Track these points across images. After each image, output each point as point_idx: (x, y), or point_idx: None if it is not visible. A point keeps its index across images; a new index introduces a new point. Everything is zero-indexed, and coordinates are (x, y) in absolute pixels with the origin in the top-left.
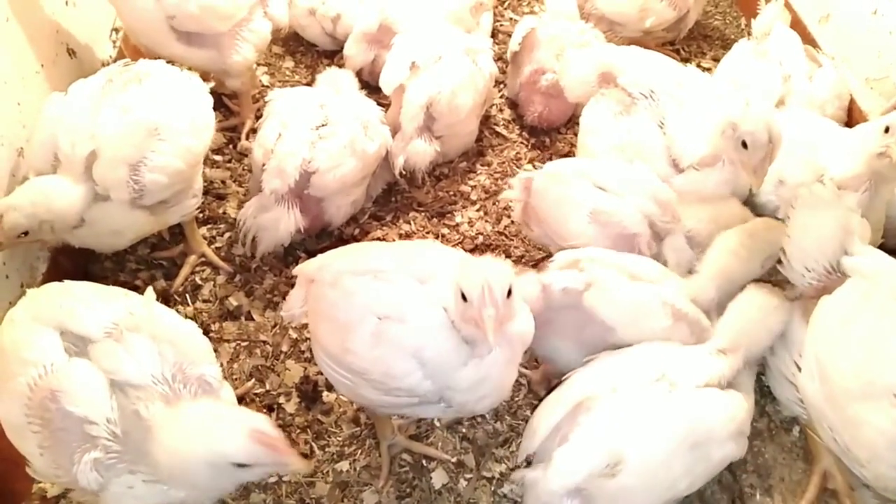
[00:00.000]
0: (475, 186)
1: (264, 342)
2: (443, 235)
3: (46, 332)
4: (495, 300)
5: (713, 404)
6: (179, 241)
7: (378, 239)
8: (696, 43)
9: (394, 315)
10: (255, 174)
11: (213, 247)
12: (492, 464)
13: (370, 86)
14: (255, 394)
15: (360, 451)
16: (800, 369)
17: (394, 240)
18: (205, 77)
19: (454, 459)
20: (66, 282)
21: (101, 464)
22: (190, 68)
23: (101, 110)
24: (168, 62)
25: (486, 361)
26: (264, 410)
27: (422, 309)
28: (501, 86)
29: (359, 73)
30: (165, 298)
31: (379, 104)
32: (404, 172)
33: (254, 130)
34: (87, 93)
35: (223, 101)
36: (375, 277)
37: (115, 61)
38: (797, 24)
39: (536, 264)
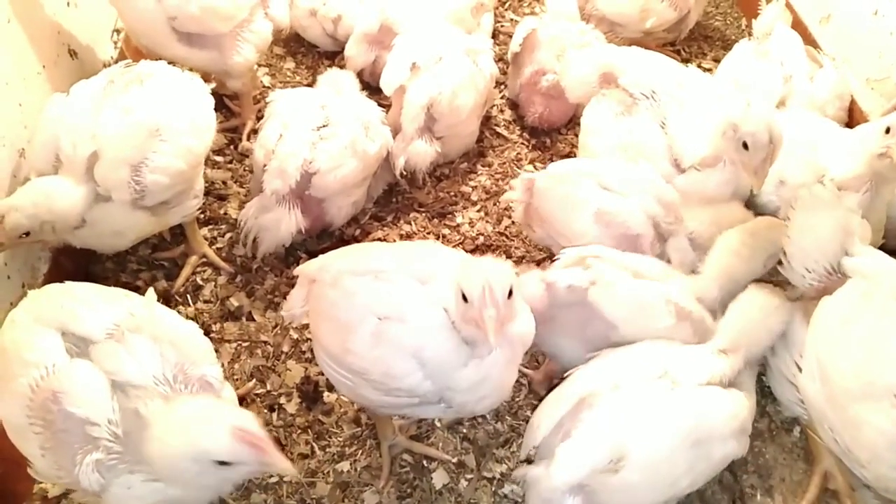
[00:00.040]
0: (476, 187)
1: (265, 342)
2: (444, 236)
3: (48, 333)
4: (496, 301)
5: (715, 402)
6: (180, 242)
7: (379, 239)
8: (696, 43)
9: (394, 315)
10: (256, 175)
11: (214, 247)
12: (492, 464)
13: (371, 86)
14: (256, 394)
15: (360, 451)
16: (800, 370)
17: (395, 240)
18: (206, 78)
19: (455, 460)
20: (68, 283)
21: (103, 465)
22: (191, 69)
23: (103, 111)
24: (169, 63)
25: (486, 362)
26: (265, 411)
27: (422, 309)
28: (502, 86)
29: (360, 74)
30: (166, 299)
31: (380, 105)
32: (405, 173)
33: (255, 131)
34: (89, 94)
35: (224, 102)
36: (376, 278)
37: (116, 62)
38: (798, 25)
39: (537, 265)
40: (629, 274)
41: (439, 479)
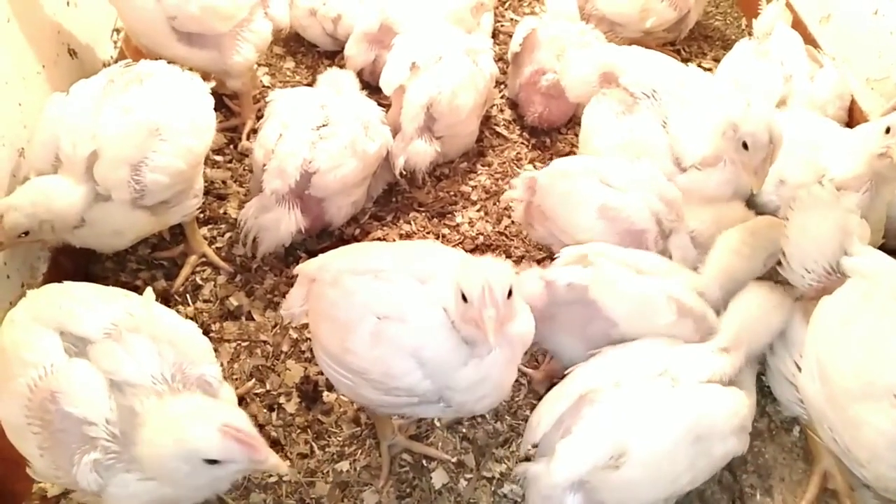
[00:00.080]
0: (476, 187)
1: (265, 342)
2: (443, 236)
3: (46, 333)
4: (496, 301)
5: (716, 399)
6: (180, 242)
7: (379, 239)
8: (696, 43)
9: (393, 315)
10: (255, 174)
11: (213, 247)
12: (492, 464)
13: (371, 86)
14: (256, 394)
15: (360, 451)
16: (800, 370)
17: (394, 240)
18: (205, 77)
19: (454, 459)
20: (66, 283)
21: (101, 465)
22: (191, 69)
23: (103, 111)
24: (169, 63)
25: (485, 362)
26: (265, 410)
27: (421, 309)
28: (502, 86)
29: (360, 74)
30: (166, 298)
31: (380, 104)
32: (405, 173)
33: (254, 131)
34: (89, 93)
35: (224, 102)
36: (375, 277)
37: (116, 62)
38: (798, 25)
39: (537, 264)
40: (630, 270)
41: (439, 478)
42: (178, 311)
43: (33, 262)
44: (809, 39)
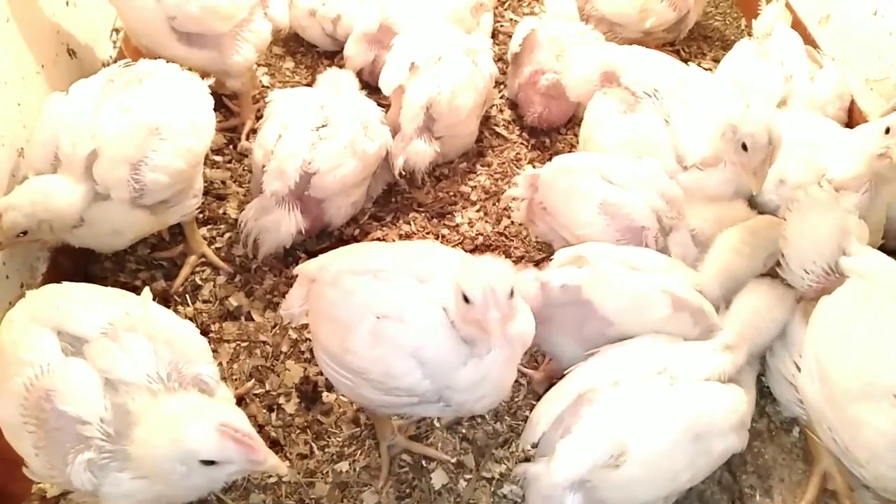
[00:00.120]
0: (475, 187)
1: (264, 342)
2: (443, 236)
3: (44, 332)
4: (498, 302)
5: (714, 397)
6: (179, 242)
7: (378, 239)
8: (696, 44)
9: (393, 314)
10: (255, 175)
11: (213, 247)
12: (491, 464)
13: (371, 86)
14: (255, 394)
15: (359, 451)
16: (799, 370)
17: (394, 240)
18: (204, 77)
19: (454, 460)
20: (65, 283)
21: (95, 464)
22: (190, 69)
23: (102, 110)
24: (169, 62)
25: (485, 361)
26: (264, 411)
27: (421, 308)
28: (502, 86)
29: (359, 74)
30: (165, 299)
31: (379, 104)
32: (404, 173)
33: (254, 131)
34: (88, 93)
35: (223, 102)
36: (375, 277)
37: (115, 61)
38: (797, 25)
39: (537, 265)
40: (624, 267)
41: (438, 479)
42: (177, 312)
43: (32, 262)
44: (809, 40)
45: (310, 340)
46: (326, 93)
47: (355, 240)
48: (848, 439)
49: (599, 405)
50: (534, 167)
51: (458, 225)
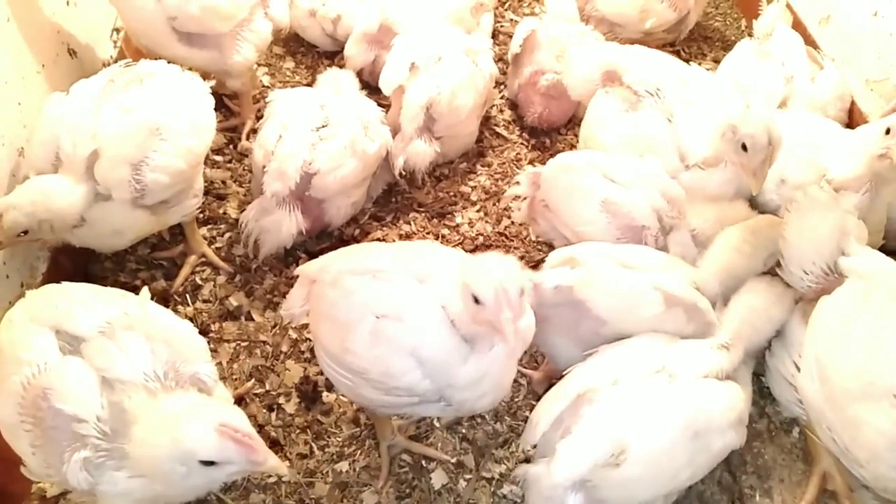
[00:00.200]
0: (475, 187)
1: (264, 342)
2: (443, 236)
3: (43, 332)
4: (510, 302)
5: (713, 394)
6: (180, 242)
7: (378, 239)
8: (696, 44)
9: (392, 314)
10: (255, 175)
11: (213, 247)
12: (491, 464)
13: (371, 86)
14: (255, 394)
15: (359, 451)
16: (799, 370)
17: (394, 240)
18: (205, 77)
19: (454, 460)
20: (64, 283)
21: (91, 463)
22: (191, 69)
23: (103, 110)
24: (169, 63)
25: (486, 358)
26: (264, 411)
27: (420, 308)
28: (502, 87)
29: (359, 74)
30: (165, 298)
31: (379, 105)
32: (404, 173)
33: (254, 131)
34: (89, 93)
35: (224, 102)
36: (374, 277)
37: (115, 61)
38: (797, 26)
39: (537, 265)
40: (617, 266)
41: (438, 479)
42: (177, 311)
43: (33, 261)
44: (809, 40)
45: (310, 340)
46: (326, 93)
47: (355, 240)
48: (848, 439)
49: (599, 405)
50: (534, 167)
51: (458, 225)
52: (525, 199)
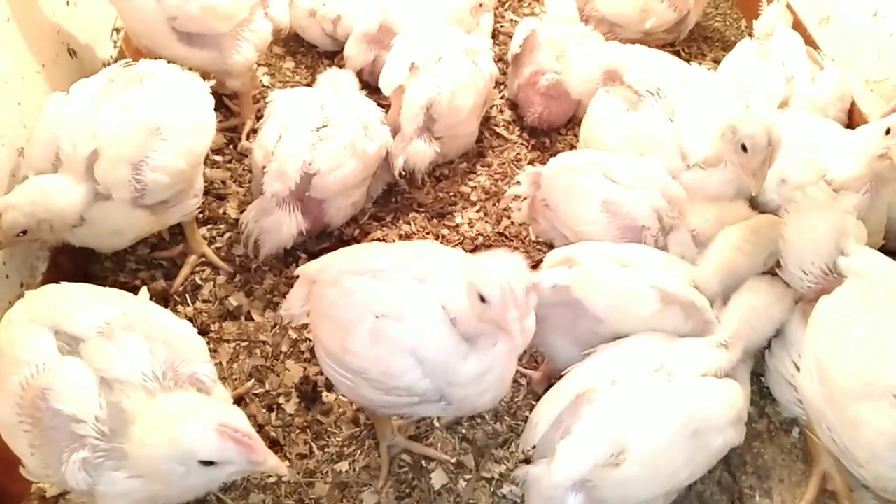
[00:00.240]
0: (475, 187)
1: (264, 342)
2: (443, 236)
3: (41, 332)
4: (517, 301)
5: (711, 392)
6: (179, 242)
7: (378, 239)
8: (696, 44)
9: (392, 313)
10: (255, 176)
11: (213, 247)
12: (491, 464)
13: (371, 86)
14: (255, 394)
15: (359, 451)
16: (799, 370)
17: (394, 240)
18: (205, 77)
19: (454, 460)
20: (63, 283)
21: (90, 463)
22: (191, 69)
23: (103, 110)
24: (169, 63)
25: (490, 354)
26: (264, 411)
27: (419, 307)
28: (502, 87)
29: (359, 74)
30: (165, 298)
31: (379, 105)
32: (404, 173)
33: (254, 131)
34: (89, 93)
35: (224, 102)
36: (374, 277)
37: (115, 61)
38: (797, 26)
39: (536, 265)
40: (614, 265)
41: (438, 479)
42: (177, 312)
43: (33, 261)
44: (809, 41)
45: (309, 340)
46: (326, 93)
47: (355, 240)
48: (847, 439)
49: (598, 404)
50: (534, 167)
51: (458, 225)
52: (526, 198)
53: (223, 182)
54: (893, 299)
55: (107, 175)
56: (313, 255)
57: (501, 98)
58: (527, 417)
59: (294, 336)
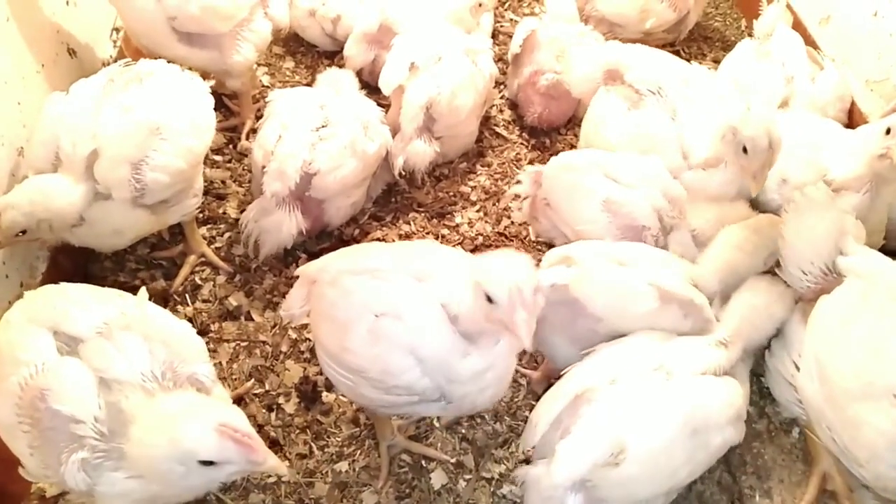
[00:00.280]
0: (475, 187)
1: (264, 342)
2: (443, 236)
3: (40, 332)
4: (525, 301)
5: (711, 391)
6: (179, 241)
7: (378, 239)
8: (696, 44)
9: (390, 312)
10: (255, 175)
11: (212, 247)
12: (491, 464)
13: (370, 86)
14: (255, 394)
15: (359, 451)
16: (799, 370)
17: (394, 240)
18: (205, 77)
19: (453, 460)
20: (62, 284)
21: (89, 464)
22: (191, 68)
23: (103, 110)
24: (169, 62)
25: (492, 352)
26: (264, 411)
27: (418, 306)
28: (502, 87)
29: (359, 74)
30: (165, 298)
31: (379, 105)
32: (404, 173)
33: (254, 130)
34: (89, 92)
35: (223, 102)
36: (373, 276)
37: (115, 61)
38: (797, 26)
39: (536, 265)
40: (612, 263)
41: (438, 479)
42: (177, 311)
43: (32, 261)
44: (809, 41)
45: (309, 340)
46: (326, 93)
47: (355, 240)
48: (848, 439)
49: (597, 404)
50: (535, 167)
51: (458, 225)
52: (527, 197)
53: (223, 182)
54: (893, 299)
55: (107, 175)
56: (313, 255)
57: (501, 98)
58: (526, 417)
59: (294, 336)
